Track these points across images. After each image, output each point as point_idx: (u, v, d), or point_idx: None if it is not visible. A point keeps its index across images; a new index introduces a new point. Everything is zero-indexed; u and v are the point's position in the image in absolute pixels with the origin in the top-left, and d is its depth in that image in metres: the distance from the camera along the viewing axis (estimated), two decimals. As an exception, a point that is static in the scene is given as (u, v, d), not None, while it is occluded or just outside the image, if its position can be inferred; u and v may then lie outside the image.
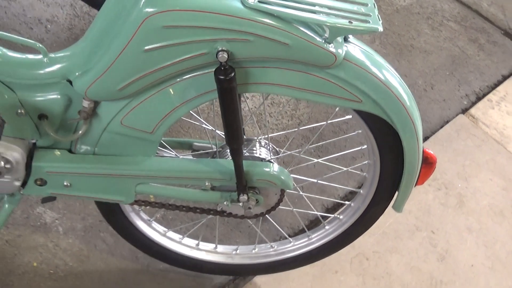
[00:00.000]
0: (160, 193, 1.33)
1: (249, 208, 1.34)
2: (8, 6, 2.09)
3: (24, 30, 1.96)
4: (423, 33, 2.68)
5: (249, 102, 2.02)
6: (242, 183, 1.29)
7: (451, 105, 2.40)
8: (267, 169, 1.31)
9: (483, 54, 2.67)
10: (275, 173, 1.31)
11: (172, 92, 1.17)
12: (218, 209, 1.40)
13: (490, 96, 2.48)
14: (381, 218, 1.57)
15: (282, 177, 1.31)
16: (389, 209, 1.63)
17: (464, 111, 2.39)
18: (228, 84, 1.12)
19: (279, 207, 1.40)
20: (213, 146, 1.40)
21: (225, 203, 1.34)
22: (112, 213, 1.44)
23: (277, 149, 1.40)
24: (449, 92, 2.45)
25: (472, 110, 2.39)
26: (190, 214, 1.70)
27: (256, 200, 1.34)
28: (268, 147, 1.39)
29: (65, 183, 1.28)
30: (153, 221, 1.52)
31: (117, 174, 1.27)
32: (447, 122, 2.32)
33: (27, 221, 1.59)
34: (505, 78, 2.60)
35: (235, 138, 1.21)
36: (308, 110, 2.11)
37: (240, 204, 1.34)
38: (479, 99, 2.47)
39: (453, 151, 2.20)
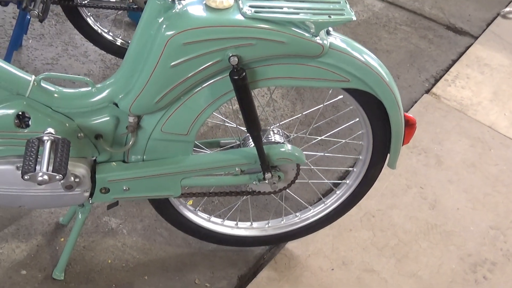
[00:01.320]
0: (201, 183, 1.32)
1: (274, 183, 1.33)
2: (52, 68, 2.11)
3: (68, 85, 1.99)
4: (383, 37, 2.69)
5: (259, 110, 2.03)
6: (265, 163, 1.29)
7: (416, 88, 2.41)
8: (283, 149, 1.31)
9: (433, 46, 2.69)
10: (290, 151, 1.31)
11: (198, 98, 1.18)
12: (249, 190, 1.40)
13: (446, 76, 2.49)
14: (378, 183, 1.57)
15: (296, 154, 1.32)
16: (384, 174, 1.63)
17: (428, 91, 2.40)
18: (242, 82, 1.13)
19: (297, 180, 1.39)
20: (236, 141, 1.40)
21: (254, 183, 1.34)
22: (165, 208, 1.44)
23: (288, 133, 1.40)
24: (412, 79, 2.46)
25: (434, 90, 2.40)
26: (226, 202, 1.69)
27: (278, 176, 1.34)
28: (280, 133, 1.39)
29: (124, 188, 1.28)
30: (198, 211, 1.52)
31: (164, 173, 1.27)
32: (416, 102, 2.32)
33: (97, 229, 1.58)
34: (454, 61, 2.61)
35: (254, 126, 1.21)
36: (304, 111, 2.12)
37: (266, 181, 1.33)
38: (437, 80, 2.48)
39: (425, 123, 2.20)
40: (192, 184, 1.31)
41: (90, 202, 1.30)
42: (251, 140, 1.34)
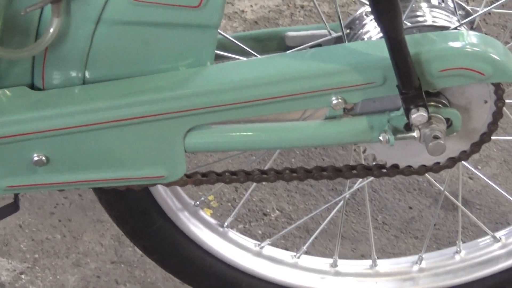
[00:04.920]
0: (238, 142, 1.35)
1: (435, 137, 1.33)
2: None
3: None
4: None
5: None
6: (412, 81, 1.29)
7: None
8: (456, 44, 1.32)
9: None
10: (476, 49, 1.32)
11: None
12: (369, 161, 1.42)
13: None
14: None
15: (495, 56, 1.32)
16: None
17: None
18: None
19: (496, 137, 1.40)
20: (332, 31, 1.43)
21: (380, 138, 1.35)
22: (143, 221, 1.49)
23: (467, 7, 1.41)
24: None
25: None
26: (300, 209, 1.73)
27: (448, 120, 1.35)
28: (447, 7, 1.41)
29: (35, 157, 1.30)
30: (229, 229, 1.55)
31: (139, 115, 1.30)
32: None
33: (-35, 286, 1.63)
34: None
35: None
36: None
37: (414, 134, 1.34)
38: None
39: None
40: (214, 144, 1.35)
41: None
42: (369, 24, 1.38)
